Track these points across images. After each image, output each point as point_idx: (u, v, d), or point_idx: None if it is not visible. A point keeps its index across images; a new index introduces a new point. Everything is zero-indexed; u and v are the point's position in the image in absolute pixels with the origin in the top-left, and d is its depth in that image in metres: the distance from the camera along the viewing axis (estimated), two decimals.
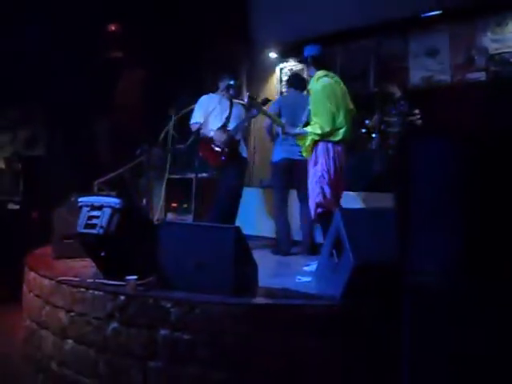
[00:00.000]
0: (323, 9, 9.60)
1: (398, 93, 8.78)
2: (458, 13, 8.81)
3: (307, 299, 4.52)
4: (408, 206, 3.54)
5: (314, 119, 6.25)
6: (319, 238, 6.78)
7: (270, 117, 7.08)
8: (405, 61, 9.76)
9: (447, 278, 3.44)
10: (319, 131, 6.17)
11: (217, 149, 7.54)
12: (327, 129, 6.13)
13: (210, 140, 7.54)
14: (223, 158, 7.53)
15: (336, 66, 10.39)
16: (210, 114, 7.60)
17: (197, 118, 7.75)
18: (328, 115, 6.13)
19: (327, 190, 6.17)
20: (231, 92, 7.77)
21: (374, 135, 8.83)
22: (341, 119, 6.23)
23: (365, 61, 10.29)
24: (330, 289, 4.51)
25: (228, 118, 7.67)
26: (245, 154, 7.95)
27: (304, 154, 6.48)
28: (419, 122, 8.40)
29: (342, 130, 6.24)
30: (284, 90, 8.33)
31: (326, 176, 6.17)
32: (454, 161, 3.35)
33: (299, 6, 9.87)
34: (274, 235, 7.68)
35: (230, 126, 7.63)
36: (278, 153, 7.42)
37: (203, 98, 7.87)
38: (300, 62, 6.79)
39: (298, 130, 6.61)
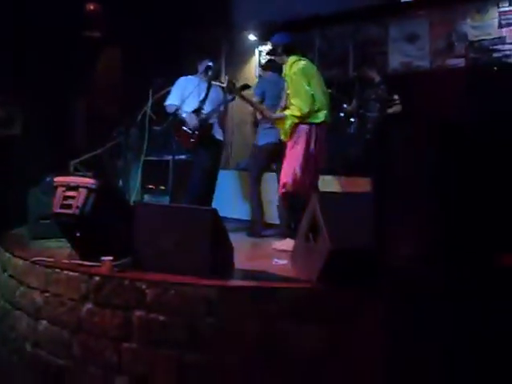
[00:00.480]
0: None
1: (377, 78, 8.78)
2: None
3: (283, 282, 4.51)
4: (385, 191, 3.55)
5: (292, 101, 6.22)
6: None
7: (248, 102, 7.05)
8: (384, 46, 9.78)
9: (423, 262, 3.46)
10: (298, 113, 6.14)
11: (188, 131, 7.52)
12: (306, 110, 6.10)
13: (182, 123, 7.52)
14: (192, 140, 7.52)
15: (314, 51, 10.40)
16: (187, 96, 7.56)
17: (172, 99, 7.73)
18: (306, 96, 6.10)
19: (299, 173, 6.14)
20: (210, 74, 7.71)
21: (352, 120, 8.83)
22: (320, 101, 6.20)
23: (344, 46, 10.31)
24: (307, 272, 4.51)
25: (203, 101, 7.63)
26: (220, 137, 7.92)
27: (283, 137, 6.46)
28: (398, 107, 8.41)
29: (322, 112, 6.21)
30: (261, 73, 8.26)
31: (301, 159, 6.14)
32: (431, 146, 3.36)
33: None
34: (248, 217, 7.69)
35: (205, 110, 7.60)
36: (263, 136, 7.42)
37: (180, 79, 7.82)
38: (269, 53, 6.72)
39: (277, 115, 6.58)
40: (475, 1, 8.74)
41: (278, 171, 7.20)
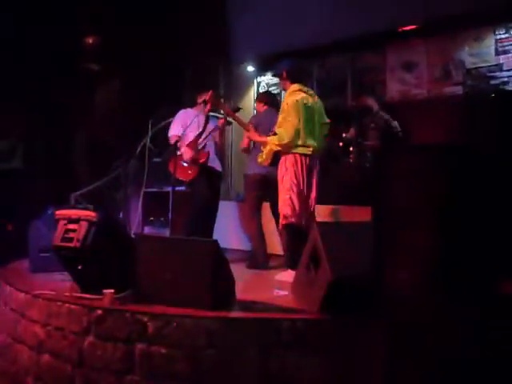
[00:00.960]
0: (300, 23, 9.62)
1: (375, 106, 8.82)
2: (434, 27, 8.87)
3: (284, 313, 4.51)
4: (384, 220, 3.56)
5: (277, 130, 6.26)
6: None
7: (236, 119, 7.08)
8: (382, 74, 9.82)
9: (423, 290, 3.46)
10: (277, 141, 6.18)
11: (185, 164, 7.55)
12: (285, 141, 6.12)
13: (179, 156, 7.53)
14: (190, 172, 7.58)
15: (313, 80, 10.44)
16: (187, 128, 7.59)
17: (174, 129, 7.75)
18: (290, 129, 6.12)
19: (296, 202, 6.16)
20: (207, 106, 7.73)
21: (351, 148, 8.84)
22: (307, 134, 6.21)
23: (342, 74, 10.34)
24: (308, 302, 4.52)
25: (200, 134, 7.66)
26: (218, 168, 7.95)
27: (259, 160, 6.49)
28: (398, 135, 8.44)
29: (311, 144, 6.23)
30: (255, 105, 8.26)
31: (294, 188, 6.16)
32: (431, 175, 3.37)
33: (276, 21, 9.90)
34: (250, 248, 7.68)
35: (202, 142, 7.64)
36: (252, 166, 7.41)
37: (180, 112, 7.87)
38: (275, 75, 6.75)
39: (260, 138, 6.63)
40: (472, 29, 8.78)
41: (271, 202, 7.23)
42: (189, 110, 7.88)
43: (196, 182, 7.62)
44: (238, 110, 7.31)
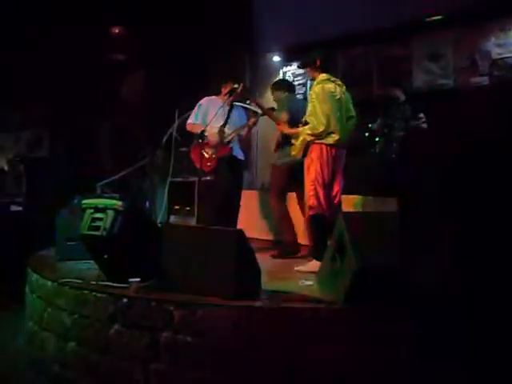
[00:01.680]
0: (326, 13, 9.60)
1: (401, 96, 8.77)
2: (461, 17, 8.80)
3: (310, 303, 4.51)
4: (410, 210, 3.56)
5: (307, 120, 6.25)
6: None
7: (263, 109, 7.08)
8: (407, 65, 9.77)
9: (448, 280, 3.46)
10: (310, 131, 6.17)
11: (206, 155, 7.56)
12: (320, 129, 6.11)
13: (202, 145, 7.53)
14: (209, 164, 7.61)
15: (338, 71, 10.40)
16: (209, 117, 7.59)
17: (193, 118, 7.78)
18: (322, 117, 6.10)
19: (321, 193, 6.15)
20: (233, 97, 7.71)
21: (377, 139, 8.81)
22: (335, 123, 6.20)
23: (368, 65, 10.30)
24: (333, 292, 4.52)
25: (225, 124, 7.68)
26: (241, 157, 7.97)
27: (293, 153, 6.49)
28: (424, 125, 8.39)
29: (336, 134, 6.21)
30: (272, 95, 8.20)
31: (319, 179, 6.15)
32: (457, 165, 3.37)
33: (302, 11, 9.88)
34: (276, 238, 7.67)
35: (227, 131, 7.65)
36: (280, 156, 7.42)
37: (204, 99, 7.86)
38: (303, 64, 6.69)
39: (290, 130, 6.63)
40: (498, 19, 8.71)
41: (297, 191, 7.23)
42: (213, 97, 7.86)
43: (218, 171, 7.62)
44: (272, 109, 7.32)
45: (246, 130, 7.87)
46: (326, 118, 6.12)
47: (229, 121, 7.73)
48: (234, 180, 7.74)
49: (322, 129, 6.12)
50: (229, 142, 7.64)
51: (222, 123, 7.66)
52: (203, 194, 7.79)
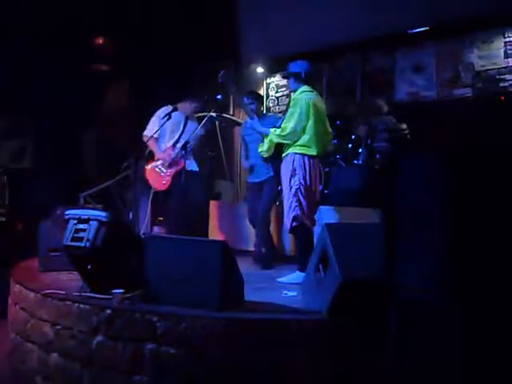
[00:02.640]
0: (310, 25, 9.63)
1: (385, 107, 8.82)
2: (444, 29, 8.87)
3: (293, 314, 4.52)
4: (395, 222, 3.55)
5: (283, 124, 6.30)
6: None
7: (241, 105, 7.11)
8: (391, 76, 9.82)
9: (433, 292, 3.46)
10: (277, 132, 6.22)
11: (161, 173, 7.74)
12: (286, 131, 6.15)
13: (156, 163, 7.71)
14: (164, 182, 7.74)
15: (322, 81, 10.45)
16: (166, 129, 7.79)
17: (151, 129, 7.87)
18: (294, 124, 6.15)
19: (304, 204, 6.17)
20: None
21: (360, 150, 8.84)
22: (315, 135, 6.23)
23: (352, 76, 10.34)
24: (317, 304, 4.52)
25: (178, 140, 7.81)
26: (195, 168, 8.03)
27: (259, 149, 6.56)
28: (407, 136, 8.44)
29: (317, 144, 6.24)
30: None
31: (302, 189, 6.17)
32: (440, 177, 3.37)
33: (287, 22, 9.92)
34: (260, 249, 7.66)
35: (178, 146, 7.76)
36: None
37: (162, 110, 7.94)
38: (287, 75, 6.70)
39: (262, 129, 6.67)
40: (481, 31, 8.78)
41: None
42: (169, 108, 7.86)
43: (171, 189, 7.74)
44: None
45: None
46: (298, 127, 6.15)
47: (183, 136, 7.83)
48: (191, 194, 7.75)
49: (287, 132, 6.16)
50: (182, 156, 7.67)
51: (175, 139, 7.76)
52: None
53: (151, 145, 7.81)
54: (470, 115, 8.27)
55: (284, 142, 6.25)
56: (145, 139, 7.78)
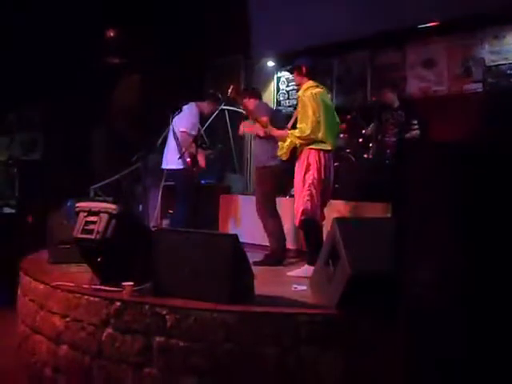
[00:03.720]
0: (321, 19, 9.62)
1: (396, 102, 8.79)
2: (455, 24, 8.83)
3: (303, 308, 4.51)
4: (405, 217, 3.54)
5: (297, 124, 6.28)
6: None
7: (250, 112, 7.07)
8: (402, 71, 9.79)
9: (444, 288, 3.45)
10: (298, 134, 6.20)
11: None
12: (307, 133, 6.14)
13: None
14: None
15: (333, 76, 10.44)
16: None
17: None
18: (311, 122, 6.14)
19: (316, 198, 6.17)
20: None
21: (371, 145, 8.82)
22: (327, 130, 6.23)
23: (362, 71, 10.33)
24: (326, 298, 4.52)
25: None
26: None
27: (279, 153, 6.51)
28: (417, 132, 8.41)
29: (330, 140, 6.25)
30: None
31: (316, 184, 6.17)
32: (452, 172, 3.36)
33: (298, 17, 9.90)
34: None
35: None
36: (268, 158, 7.45)
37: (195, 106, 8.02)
38: (291, 69, 6.70)
39: (278, 131, 6.64)
40: (492, 26, 8.74)
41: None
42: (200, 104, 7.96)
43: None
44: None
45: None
46: (314, 123, 6.15)
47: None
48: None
49: (307, 132, 6.15)
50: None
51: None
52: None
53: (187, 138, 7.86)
54: (481, 110, 8.24)
55: (306, 142, 6.24)
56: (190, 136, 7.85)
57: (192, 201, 7.85)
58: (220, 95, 8.11)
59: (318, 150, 6.21)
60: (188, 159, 7.71)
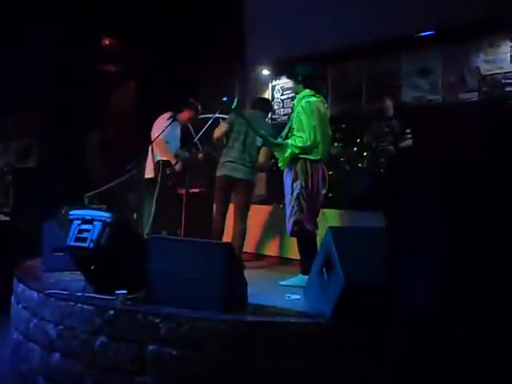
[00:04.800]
0: (316, 28, 9.64)
1: (391, 110, 8.79)
2: (450, 33, 8.85)
3: (296, 317, 4.51)
4: (399, 226, 3.55)
5: (296, 134, 6.25)
6: None
7: (250, 124, 7.04)
8: (397, 80, 9.81)
9: (437, 296, 3.45)
10: (300, 144, 6.17)
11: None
12: (308, 143, 6.14)
13: None
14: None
15: (328, 84, 10.45)
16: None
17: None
18: (310, 131, 6.14)
19: (306, 208, 6.16)
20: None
21: (365, 153, 8.83)
22: (320, 138, 6.23)
23: (357, 79, 10.34)
24: (320, 307, 4.51)
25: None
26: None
27: (280, 165, 6.48)
28: (410, 141, 8.41)
29: (320, 149, 6.24)
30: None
31: (304, 193, 6.16)
32: (445, 181, 3.36)
33: (293, 25, 9.93)
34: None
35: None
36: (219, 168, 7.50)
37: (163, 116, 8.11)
38: (289, 77, 6.72)
39: (278, 141, 6.59)
40: (487, 35, 8.76)
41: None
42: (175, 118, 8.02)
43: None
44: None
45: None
46: (314, 133, 6.15)
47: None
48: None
49: (309, 143, 6.15)
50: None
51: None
52: (191, 205, 7.82)
53: (160, 145, 7.81)
54: (475, 119, 8.25)
55: (307, 151, 6.23)
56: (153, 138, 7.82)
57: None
58: (199, 105, 8.17)
59: (305, 160, 6.21)
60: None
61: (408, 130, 8.50)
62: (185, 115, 8.09)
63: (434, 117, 9.01)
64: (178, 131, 8.04)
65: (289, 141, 6.32)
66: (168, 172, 7.68)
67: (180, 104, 8.15)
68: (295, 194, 6.18)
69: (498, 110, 8.46)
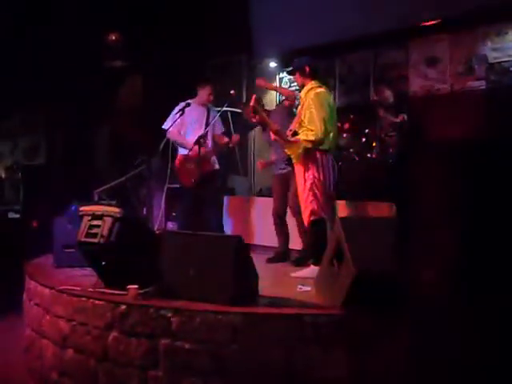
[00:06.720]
0: (323, 19, 9.62)
1: (390, 98, 8.73)
2: (457, 22, 8.82)
3: (308, 308, 4.50)
4: (408, 216, 3.55)
5: (308, 127, 6.23)
6: None
7: (266, 121, 7.01)
8: (404, 69, 9.78)
9: (446, 286, 3.45)
10: (312, 138, 6.16)
11: (190, 168, 7.66)
12: (320, 136, 6.13)
13: (186, 157, 7.66)
14: (193, 180, 7.60)
15: (335, 76, 10.43)
16: (189, 123, 7.78)
17: (175, 124, 7.75)
18: (321, 123, 6.13)
19: (320, 198, 6.16)
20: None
21: (374, 144, 8.80)
22: (329, 129, 6.23)
23: (365, 70, 10.31)
24: (331, 297, 4.51)
25: (206, 134, 7.72)
26: (216, 166, 8.04)
27: (294, 161, 6.45)
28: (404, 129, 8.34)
29: (330, 140, 6.24)
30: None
31: (318, 184, 6.15)
32: (454, 171, 3.36)
33: (300, 16, 9.90)
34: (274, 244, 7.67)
35: (208, 138, 7.78)
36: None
37: (181, 104, 7.84)
38: (292, 71, 6.67)
39: (293, 138, 6.55)
40: (495, 23, 8.72)
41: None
42: (191, 102, 7.81)
43: (201, 184, 7.71)
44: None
45: (221, 137, 7.96)
46: (324, 124, 6.15)
47: (208, 129, 7.76)
48: (206, 189, 7.79)
49: (322, 136, 6.14)
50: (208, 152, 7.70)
51: (201, 133, 7.63)
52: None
53: (174, 136, 7.79)
54: (484, 108, 8.22)
55: (317, 144, 6.22)
56: (170, 135, 7.80)
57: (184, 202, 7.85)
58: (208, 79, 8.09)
59: (315, 150, 6.20)
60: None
61: (404, 117, 8.43)
62: (202, 95, 7.97)
63: (442, 106, 8.98)
64: (193, 116, 7.87)
65: (300, 136, 6.30)
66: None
67: (193, 89, 8.05)
68: (308, 183, 6.18)
69: (506, 98, 8.43)
